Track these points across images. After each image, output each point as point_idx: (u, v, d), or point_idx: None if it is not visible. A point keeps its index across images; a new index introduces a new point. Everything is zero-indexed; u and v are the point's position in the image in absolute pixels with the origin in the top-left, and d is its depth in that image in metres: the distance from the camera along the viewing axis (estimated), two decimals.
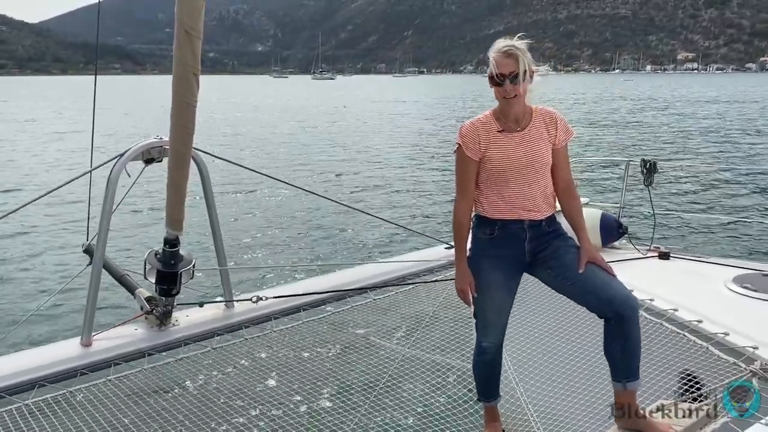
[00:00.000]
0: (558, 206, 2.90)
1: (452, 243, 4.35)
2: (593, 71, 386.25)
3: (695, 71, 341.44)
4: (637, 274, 4.07)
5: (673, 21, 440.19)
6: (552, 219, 2.83)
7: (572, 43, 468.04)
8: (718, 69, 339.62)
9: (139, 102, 65.61)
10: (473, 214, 2.88)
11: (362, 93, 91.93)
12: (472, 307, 2.89)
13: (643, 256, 4.64)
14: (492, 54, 2.66)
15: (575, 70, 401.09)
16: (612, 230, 4.73)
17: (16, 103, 64.80)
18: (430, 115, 48.30)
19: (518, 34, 2.72)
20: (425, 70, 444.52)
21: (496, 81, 2.66)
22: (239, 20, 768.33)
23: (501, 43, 2.69)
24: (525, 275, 2.91)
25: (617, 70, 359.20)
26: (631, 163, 5.42)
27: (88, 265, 3.43)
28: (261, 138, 30.57)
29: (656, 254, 4.65)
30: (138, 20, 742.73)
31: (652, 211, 5.18)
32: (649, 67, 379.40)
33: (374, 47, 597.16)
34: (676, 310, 3.55)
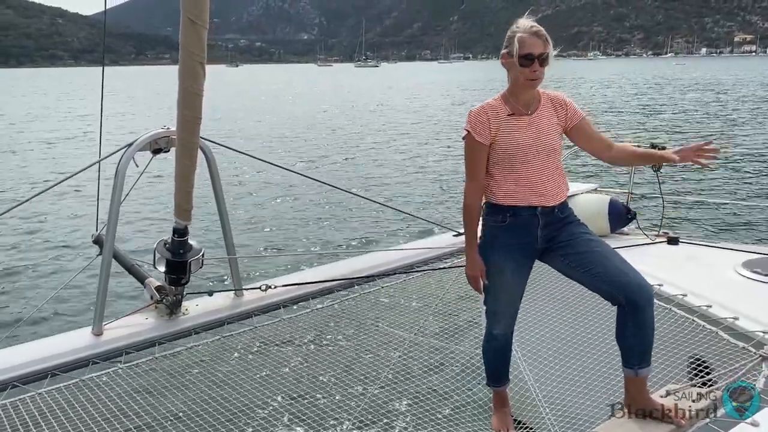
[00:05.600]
0: (569, 192, 2.84)
1: (459, 230, 4.35)
2: (644, 55, 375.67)
3: (753, 54, 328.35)
4: (646, 259, 3.99)
5: (730, 2, 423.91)
6: (564, 205, 2.77)
7: (623, 26, 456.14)
8: None
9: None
10: (483, 201, 2.82)
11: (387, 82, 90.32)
12: (483, 294, 2.84)
13: (651, 241, 4.57)
14: (520, 33, 2.57)
15: (626, 55, 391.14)
16: (620, 216, 4.68)
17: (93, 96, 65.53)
18: (441, 100, 47.51)
19: (526, 15, 2.67)
20: (471, 55, 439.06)
21: (523, 61, 2.56)
22: (285, 9, 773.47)
23: (527, 23, 2.61)
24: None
25: (670, 54, 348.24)
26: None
27: (98, 256, 3.48)
28: (270, 126, 30.16)
29: (665, 239, 4.57)
30: None
31: (660, 197, 5.06)
32: (704, 50, 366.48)
33: (419, 34, 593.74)
34: (685, 295, 3.49)
